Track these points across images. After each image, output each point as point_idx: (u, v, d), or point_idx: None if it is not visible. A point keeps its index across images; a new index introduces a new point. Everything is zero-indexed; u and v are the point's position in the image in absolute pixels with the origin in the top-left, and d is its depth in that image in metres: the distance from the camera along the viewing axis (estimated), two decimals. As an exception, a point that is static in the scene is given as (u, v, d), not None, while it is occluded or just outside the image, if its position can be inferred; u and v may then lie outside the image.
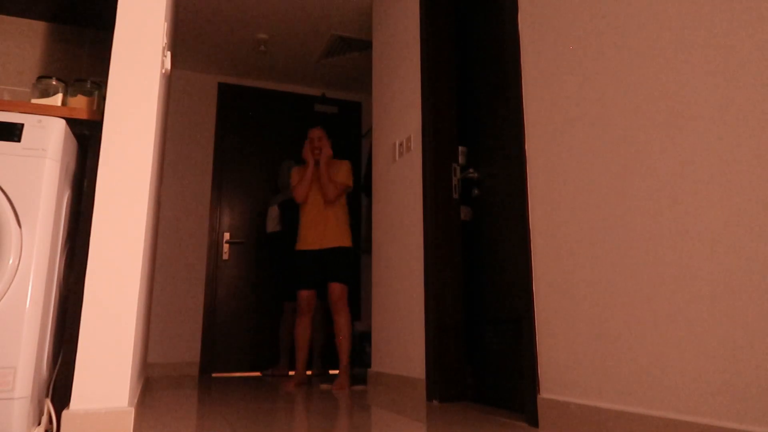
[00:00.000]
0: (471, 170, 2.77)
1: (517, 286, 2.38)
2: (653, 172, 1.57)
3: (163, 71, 2.19)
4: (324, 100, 5.19)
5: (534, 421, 1.93)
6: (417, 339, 2.81)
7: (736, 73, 1.37)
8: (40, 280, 1.59)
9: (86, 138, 1.96)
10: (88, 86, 2.18)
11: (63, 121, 1.72)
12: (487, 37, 2.76)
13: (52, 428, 1.69)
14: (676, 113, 1.51)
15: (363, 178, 4.78)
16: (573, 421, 1.76)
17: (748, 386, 1.28)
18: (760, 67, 1.31)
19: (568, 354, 1.83)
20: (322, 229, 3.44)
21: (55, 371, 1.81)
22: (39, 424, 1.66)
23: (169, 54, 2.47)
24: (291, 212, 4.36)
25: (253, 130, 4.91)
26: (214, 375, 4.34)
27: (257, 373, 4.47)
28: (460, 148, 2.88)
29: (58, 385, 1.77)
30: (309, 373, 4.31)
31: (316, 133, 3.56)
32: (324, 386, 3.37)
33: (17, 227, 1.59)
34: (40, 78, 2.18)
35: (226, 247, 4.62)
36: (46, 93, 2.15)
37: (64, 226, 1.84)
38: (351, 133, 5.23)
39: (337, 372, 4.47)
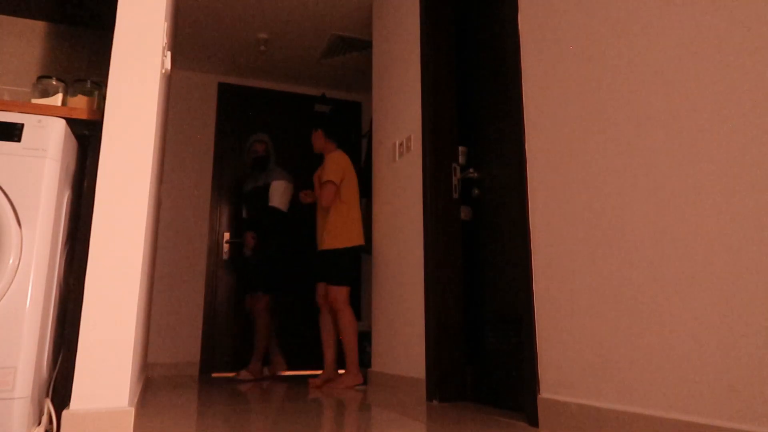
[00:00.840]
0: (471, 170, 2.77)
1: (517, 286, 2.38)
2: (653, 172, 1.57)
3: (163, 71, 2.19)
4: (324, 100, 5.19)
5: (534, 421, 1.93)
6: (417, 339, 2.81)
7: (737, 73, 1.37)
8: (40, 280, 1.59)
9: (86, 138, 1.96)
10: (88, 86, 2.18)
11: (63, 121, 1.72)
12: (487, 37, 2.76)
13: (52, 428, 1.69)
14: (676, 113, 1.51)
15: (362, 178, 4.77)
16: (573, 421, 1.76)
17: (748, 386, 1.28)
18: (761, 69, 1.31)
19: (568, 354, 1.83)
20: (321, 232, 3.57)
21: (55, 371, 1.81)
22: (39, 424, 1.66)
23: (169, 54, 2.47)
24: (255, 201, 4.11)
25: (253, 130, 4.91)
26: (214, 375, 4.33)
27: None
28: (460, 148, 2.88)
29: (58, 385, 1.77)
30: (341, 372, 4.27)
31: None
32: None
33: (17, 227, 1.59)
34: (40, 78, 2.18)
35: (226, 247, 4.62)
36: (46, 93, 2.15)
37: (64, 226, 1.84)
38: (351, 133, 5.23)
39: (342, 371, 4.46)
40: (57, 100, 2.13)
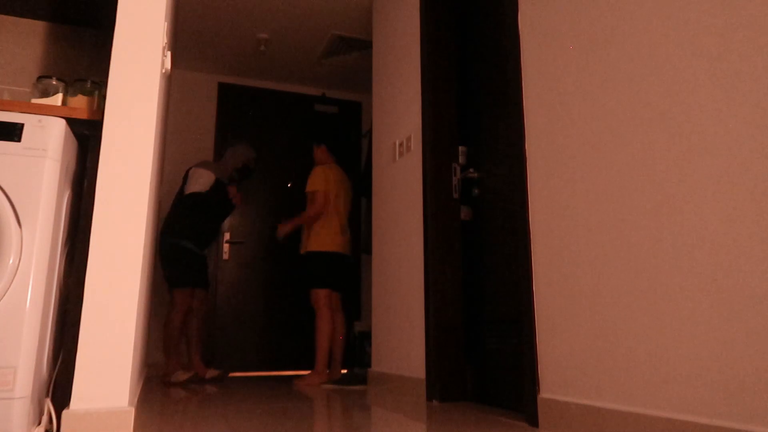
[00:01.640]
0: (471, 170, 2.77)
1: (517, 286, 2.38)
2: (653, 172, 1.57)
3: (163, 71, 2.19)
4: (324, 100, 5.19)
5: (534, 421, 1.93)
6: (417, 339, 2.81)
7: (737, 72, 1.37)
8: (40, 280, 1.59)
9: (86, 138, 1.96)
10: (89, 86, 2.18)
11: (63, 121, 1.72)
12: (487, 37, 2.76)
13: (52, 428, 1.69)
14: (677, 113, 1.51)
15: (362, 178, 4.78)
16: (573, 421, 1.76)
17: (748, 386, 1.28)
18: (761, 67, 1.31)
19: (568, 354, 1.83)
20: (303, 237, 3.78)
21: (55, 371, 1.81)
22: (39, 423, 1.66)
23: (169, 54, 2.47)
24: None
25: (253, 130, 4.91)
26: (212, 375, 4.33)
27: (257, 373, 4.47)
28: (460, 148, 2.88)
29: (58, 384, 1.77)
30: (344, 371, 4.10)
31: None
32: (324, 386, 3.38)
33: (17, 227, 1.59)
34: (40, 78, 2.18)
35: (226, 247, 4.62)
36: (47, 93, 2.16)
37: (64, 226, 1.84)
38: (351, 133, 5.24)
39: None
40: (57, 99, 2.13)
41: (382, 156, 3.46)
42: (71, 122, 1.88)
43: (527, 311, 2.03)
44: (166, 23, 2.10)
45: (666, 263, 1.50)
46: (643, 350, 1.55)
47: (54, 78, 2.18)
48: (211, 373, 3.71)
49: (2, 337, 1.51)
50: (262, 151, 4.91)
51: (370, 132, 5.04)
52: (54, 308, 1.78)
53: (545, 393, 1.92)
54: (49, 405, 1.71)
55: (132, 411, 1.67)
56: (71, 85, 2.19)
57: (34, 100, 2.12)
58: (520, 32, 2.21)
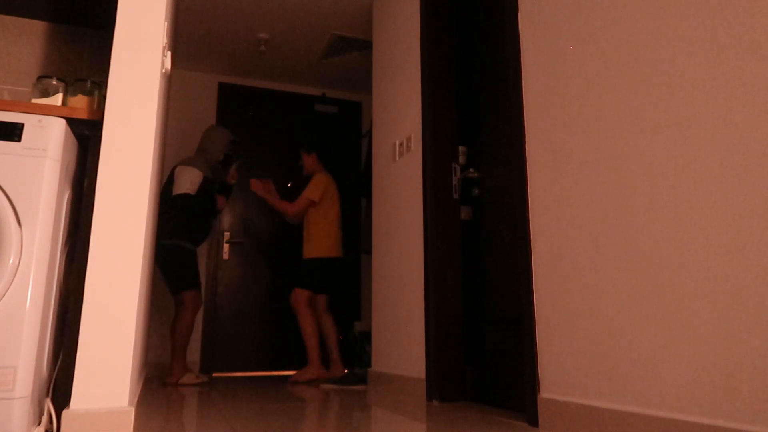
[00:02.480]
0: (471, 170, 2.77)
1: (517, 286, 2.38)
2: (653, 172, 1.57)
3: (163, 71, 2.19)
4: (324, 100, 5.19)
5: (534, 421, 1.93)
6: (417, 339, 2.81)
7: (738, 72, 1.37)
8: (40, 280, 1.59)
9: (86, 138, 1.96)
10: (89, 86, 2.18)
11: (63, 121, 1.72)
12: (487, 37, 2.76)
13: (52, 428, 1.69)
14: (677, 113, 1.51)
15: (362, 178, 4.78)
16: (573, 421, 1.76)
17: (748, 386, 1.28)
18: (762, 66, 1.31)
19: (568, 354, 1.83)
20: (304, 243, 3.88)
21: (55, 371, 1.81)
22: (39, 423, 1.66)
23: (169, 54, 2.47)
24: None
25: (253, 130, 4.91)
26: (214, 375, 4.34)
27: (257, 373, 4.47)
28: (460, 148, 2.88)
29: (58, 384, 1.77)
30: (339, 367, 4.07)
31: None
32: (324, 386, 3.38)
33: (17, 227, 1.59)
34: (40, 78, 2.18)
35: (226, 247, 4.62)
36: (47, 93, 2.15)
37: (64, 226, 1.84)
38: (351, 133, 5.24)
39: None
40: (57, 99, 2.13)
41: (382, 156, 3.46)
42: (71, 122, 1.88)
43: (527, 311, 2.03)
44: (166, 23, 2.10)
45: (666, 263, 1.50)
46: (643, 350, 1.55)
47: (54, 78, 2.17)
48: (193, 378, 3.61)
49: (2, 337, 1.51)
50: (262, 151, 4.91)
51: (370, 132, 5.04)
52: (54, 308, 1.78)
53: (545, 393, 1.92)
54: (49, 405, 1.71)
55: (132, 411, 1.67)
56: (71, 85, 2.19)
57: (34, 100, 2.12)
58: (520, 32, 2.21)
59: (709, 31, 1.44)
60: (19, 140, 1.64)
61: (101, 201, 1.78)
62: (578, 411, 1.74)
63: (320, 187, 3.78)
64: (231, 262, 4.62)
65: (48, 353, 1.72)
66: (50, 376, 1.78)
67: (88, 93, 2.17)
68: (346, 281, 4.93)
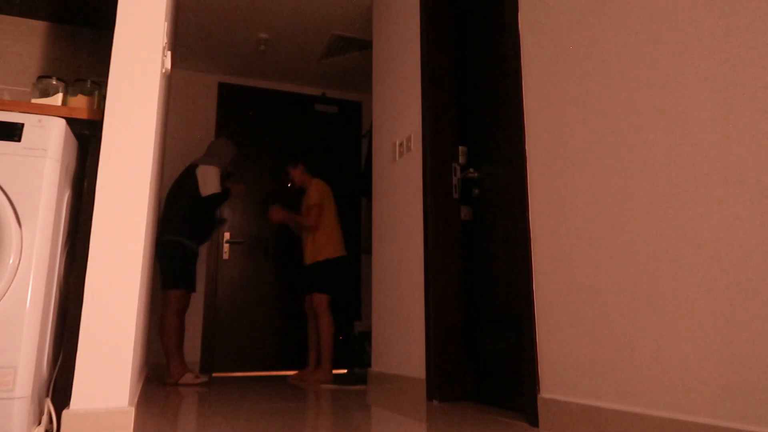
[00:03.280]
0: (471, 170, 2.77)
1: (517, 286, 2.38)
2: (653, 172, 1.57)
3: (163, 71, 2.19)
4: (324, 100, 5.19)
5: (534, 421, 1.93)
6: (417, 339, 2.81)
7: (736, 73, 1.37)
8: (40, 280, 1.59)
9: (86, 138, 1.96)
10: (89, 86, 2.18)
11: (63, 121, 1.72)
12: (487, 37, 2.76)
13: (52, 428, 1.69)
14: (677, 112, 1.51)
15: (362, 178, 4.78)
16: (573, 421, 1.76)
17: (748, 386, 1.28)
18: (760, 67, 1.31)
19: (568, 354, 1.83)
20: (309, 249, 3.92)
21: (55, 371, 1.81)
22: (39, 423, 1.66)
23: (169, 54, 2.47)
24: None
25: (253, 129, 4.91)
26: (214, 375, 4.34)
27: (257, 373, 4.47)
28: (461, 148, 2.88)
29: (59, 384, 1.77)
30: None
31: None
32: (324, 386, 3.38)
33: (17, 227, 1.59)
34: (40, 78, 2.18)
35: (226, 247, 4.62)
36: (47, 93, 2.16)
37: (64, 226, 1.84)
38: (351, 133, 5.23)
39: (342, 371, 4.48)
40: (57, 99, 2.13)
41: (382, 156, 3.46)
42: (71, 122, 1.88)
43: (527, 311, 2.03)
44: (166, 23, 2.10)
45: (666, 262, 1.50)
46: (643, 350, 1.55)
47: (54, 78, 2.18)
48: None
49: (2, 337, 1.51)
50: (262, 151, 4.91)
51: (370, 132, 5.04)
52: (54, 308, 1.77)
53: (545, 393, 1.92)
54: (49, 405, 1.71)
55: (132, 411, 1.67)
56: (71, 85, 2.19)
57: (34, 100, 2.12)
58: (520, 32, 2.21)
59: (709, 30, 1.44)
60: (19, 140, 1.64)
61: (101, 201, 1.78)
62: (578, 411, 1.74)
63: (320, 192, 3.88)
64: (231, 262, 4.62)
65: (48, 353, 1.72)
66: (50, 376, 1.78)
67: (88, 93, 2.17)
68: (347, 280, 4.94)
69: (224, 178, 3.90)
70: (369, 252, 4.75)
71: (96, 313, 1.71)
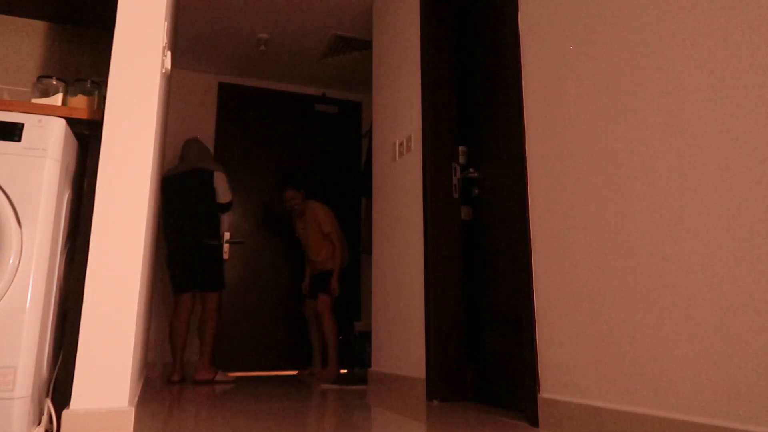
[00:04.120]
0: (471, 170, 2.77)
1: (517, 287, 2.38)
2: (653, 172, 1.57)
3: (163, 71, 2.19)
4: (324, 100, 5.19)
5: (534, 421, 1.93)
6: (417, 339, 2.81)
7: (737, 72, 1.37)
8: (40, 280, 1.59)
9: (86, 138, 1.96)
10: (89, 86, 2.18)
11: (63, 121, 1.72)
12: (487, 37, 2.76)
13: (52, 428, 1.69)
14: (676, 112, 1.51)
15: (362, 178, 4.78)
16: (573, 421, 1.76)
17: (747, 386, 1.28)
18: (762, 67, 1.31)
19: (568, 354, 1.83)
20: (317, 259, 4.29)
21: (55, 371, 1.81)
22: (39, 423, 1.66)
23: (169, 54, 2.47)
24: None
25: (253, 129, 4.91)
26: (225, 373, 4.33)
27: (258, 373, 4.47)
28: (461, 148, 2.88)
29: (58, 384, 1.77)
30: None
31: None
32: (324, 386, 3.38)
33: (17, 227, 1.59)
34: (40, 78, 2.18)
35: (226, 247, 4.62)
36: (47, 93, 2.16)
37: (64, 226, 1.84)
38: (351, 133, 5.23)
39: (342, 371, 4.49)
40: (57, 99, 2.13)
41: (382, 156, 3.46)
42: (71, 122, 1.88)
43: (527, 311, 2.03)
44: (166, 23, 2.10)
45: (666, 262, 1.50)
46: (643, 350, 1.55)
47: (54, 78, 2.18)
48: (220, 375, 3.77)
49: (2, 337, 1.51)
50: (262, 151, 4.91)
51: (370, 132, 5.04)
52: (54, 308, 1.78)
53: (545, 393, 1.92)
54: (49, 405, 1.71)
55: (132, 411, 1.67)
56: (71, 85, 2.19)
57: (34, 100, 2.12)
58: (520, 32, 2.21)
59: (709, 30, 1.44)
60: (19, 140, 1.64)
61: (101, 201, 1.78)
62: (578, 411, 1.74)
63: (329, 217, 4.27)
64: (232, 262, 4.62)
65: (48, 353, 1.72)
66: (50, 376, 1.78)
67: (88, 93, 2.17)
68: (348, 280, 4.94)
69: None
70: (369, 252, 4.75)
71: (96, 313, 1.71)
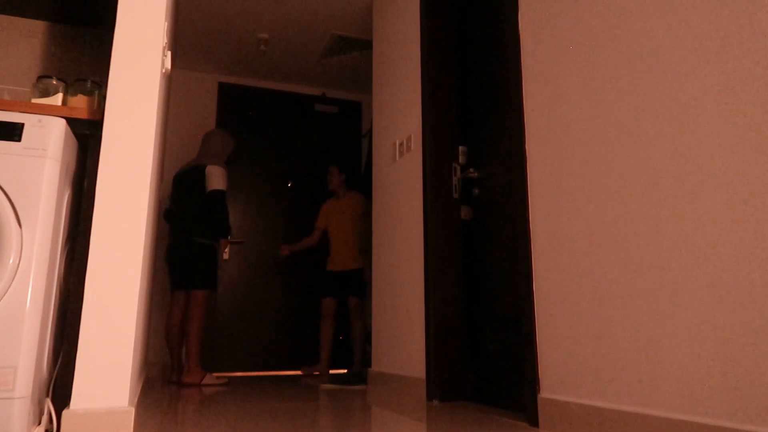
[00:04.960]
0: (471, 170, 2.77)
1: (517, 286, 2.38)
2: (653, 172, 1.57)
3: (163, 71, 2.19)
4: (324, 100, 5.19)
5: (534, 421, 1.93)
6: (417, 339, 2.81)
7: (738, 72, 1.37)
8: (40, 280, 1.59)
9: (86, 138, 1.96)
10: (89, 86, 2.18)
11: (63, 121, 1.72)
12: (487, 37, 2.76)
13: (52, 428, 1.69)
14: (676, 112, 1.51)
15: (362, 178, 4.78)
16: (573, 421, 1.76)
17: (747, 386, 1.28)
18: (760, 64, 1.31)
19: (568, 354, 1.83)
20: (347, 255, 4.28)
21: (55, 371, 1.81)
22: (39, 423, 1.67)
23: (169, 54, 2.47)
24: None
25: (253, 129, 4.91)
26: (215, 375, 4.33)
27: (258, 373, 4.47)
28: (461, 148, 2.88)
29: (59, 384, 1.77)
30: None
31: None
32: (324, 386, 3.38)
33: (17, 227, 1.59)
34: (40, 77, 2.18)
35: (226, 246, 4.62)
36: (47, 93, 2.15)
37: (64, 226, 1.84)
38: (351, 133, 5.23)
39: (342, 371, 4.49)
40: (57, 99, 2.13)
41: (382, 156, 3.46)
42: (71, 122, 1.88)
43: (527, 311, 2.03)
44: (166, 23, 2.10)
45: (666, 262, 1.50)
46: (643, 350, 1.55)
47: (54, 78, 2.17)
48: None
49: (2, 337, 1.51)
50: (262, 151, 4.90)
51: (370, 132, 5.04)
52: (54, 308, 1.78)
53: (545, 393, 1.92)
54: (49, 405, 1.71)
55: (132, 411, 1.67)
56: (71, 85, 2.19)
57: (34, 100, 2.11)
58: (520, 32, 2.21)
59: (710, 29, 1.44)
60: (19, 140, 1.64)
61: (101, 201, 1.78)
62: (578, 411, 1.74)
63: (319, 215, 4.35)
64: (231, 262, 4.62)
65: (48, 353, 1.72)
66: (50, 376, 1.78)
67: (88, 93, 2.17)
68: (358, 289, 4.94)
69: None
70: (369, 252, 4.75)
71: (96, 313, 1.71)
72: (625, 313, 1.62)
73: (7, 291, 1.54)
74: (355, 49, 4.51)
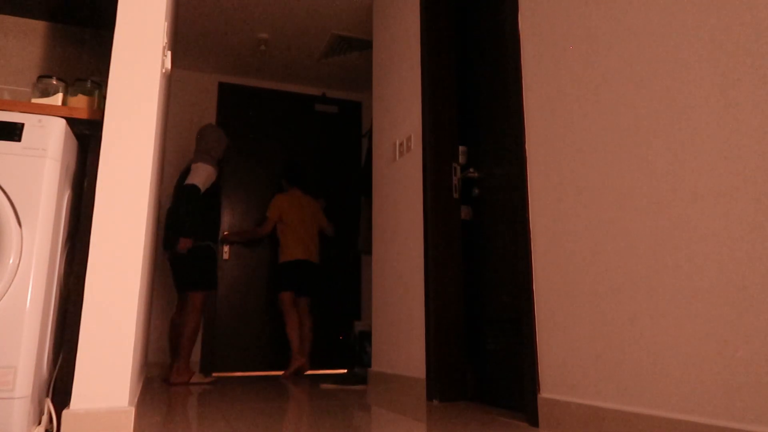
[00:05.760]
0: (471, 170, 2.77)
1: (517, 286, 2.38)
2: (654, 172, 1.57)
3: (163, 71, 2.19)
4: (324, 100, 5.19)
5: (534, 421, 1.93)
6: (417, 339, 2.81)
7: (736, 73, 1.37)
8: (40, 280, 1.59)
9: (86, 137, 1.96)
10: (89, 86, 2.18)
11: (63, 121, 1.72)
12: (487, 37, 2.76)
13: (52, 428, 1.69)
14: (677, 111, 1.51)
15: (362, 178, 4.78)
16: (573, 421, 1.76)
17: (748, 386, 1.28)
18: (759, 67, 1.31)
19: (568, 354, 1.83)
20: (312, 250, 4.30)
21: (55, 371, 1.81)
22: (39, 423, 1.67)
23: (169, 54, 2.47)
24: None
25: (253, 129, 4.91)
26: (214, 374, 4.34)
27: (257, 373, 4.47)
28: (461, 148, 2.88)
29: (59, 384, 1.77)
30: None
31: None
32: (324, 385, 3.38)
33: (17, 227, 1.59)
34: (40, 77, 2.18)
35: (226, 247, 4.62)
36: (47, 92, 2.15)
37: (64, 226, 1.84)
38: (351, 133, 5.23)
39: (338, 372, 4.48)
40: (57, 99, 2.13)
41: (382, 156, 3.46)
42: (71, 122, 1.88)
43: (527, 311, 2.03)
44: (166, 23, 2.10)
45: (666, 263, 1.50)
46: (643, 350, 1.55)
47: (54, 78, 2.17)
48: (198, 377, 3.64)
49: (2, 337, 1.51)
50: (262, 150, 4.90)
51: (370, 132, 5.03)
52: (54, 308, 1.78)
53: (545, 393, 1.92)
54: (49, 405, 1.71)
55: (132, 411, 1.67)
56: (71, 84, 2.19)
57: (34, 100, 2.11)
58: (520, 32, 2.21)
59: (709, 30, 1.44)
60: (19, 140, 1.64)
61: (101, 201, 1.78)
62: (578, 411, 1.74)
63: (271, 205, 4.30)
64: (231, 262, 4.62)
65: (48, 353, 1.72)
66: (50, 376, 1.78)
67: (88, 93, 2.17)
68: (347, 280, 4.93)
69: (221, 169, 3.95)
70: (369, 252, 4.74)
71: (96, 313, 1.71)
72: (625, 313, 1.62)
73: (7, 291, 1.54)
74: (355, 49, 4.51)
